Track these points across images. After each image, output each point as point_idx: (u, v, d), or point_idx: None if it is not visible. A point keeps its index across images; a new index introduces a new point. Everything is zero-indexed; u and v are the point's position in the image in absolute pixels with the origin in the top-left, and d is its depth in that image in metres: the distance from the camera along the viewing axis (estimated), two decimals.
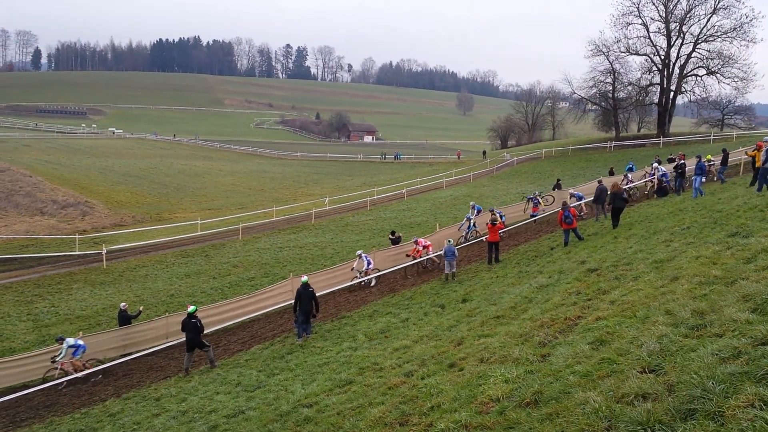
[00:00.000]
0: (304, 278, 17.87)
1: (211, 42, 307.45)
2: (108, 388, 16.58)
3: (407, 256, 24.57)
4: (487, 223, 22.18)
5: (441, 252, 22.22)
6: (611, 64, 69.13)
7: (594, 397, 5.46)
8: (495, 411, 6.18)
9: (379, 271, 24.07)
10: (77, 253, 36.15)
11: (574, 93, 76.38)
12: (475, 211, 29.61)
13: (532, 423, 5.51)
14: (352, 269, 23.61)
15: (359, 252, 23.79)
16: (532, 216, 30.10)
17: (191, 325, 16.27)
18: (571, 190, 30.51)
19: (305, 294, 17.08)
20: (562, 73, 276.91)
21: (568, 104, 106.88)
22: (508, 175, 58.86)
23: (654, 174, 28.23)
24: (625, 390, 5.40)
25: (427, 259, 23.85)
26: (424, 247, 23.82)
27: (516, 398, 6.33)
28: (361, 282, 22.98)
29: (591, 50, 69.92)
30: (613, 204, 21.04)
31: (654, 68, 67.11)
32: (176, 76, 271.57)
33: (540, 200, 31.29)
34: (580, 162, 58.53)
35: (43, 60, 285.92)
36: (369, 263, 23.30)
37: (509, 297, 14.46)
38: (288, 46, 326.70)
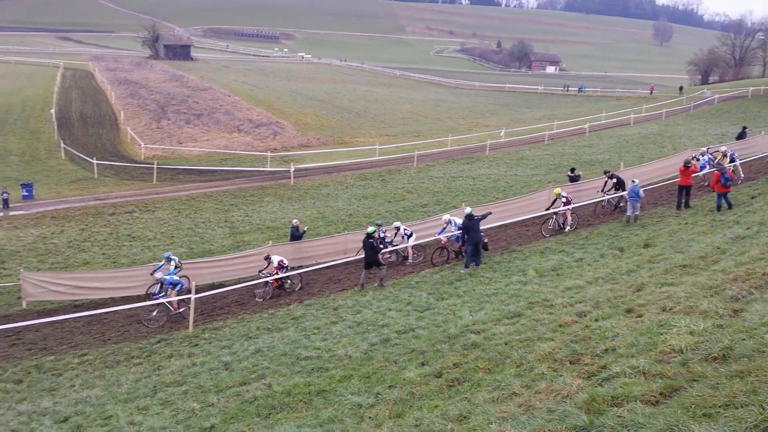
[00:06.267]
0: (468, 210, 17.88)
1: None
2: (292, 295, 18.21)
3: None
4: (680, 166, 20.47)
5: (624, 193, 20.96)
6: None
7: None
8: (677, 362, 5.92)
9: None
10: (268, 169, 39.37)
11: None
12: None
13: (720, 378, 5.21)
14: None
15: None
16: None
17: (370, 245, 17.13)
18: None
19: (471, 225, 17.12)
20: None
21: None
22: (707, 114, 53.28)
23: None
24: None
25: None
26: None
27: (702, 351, 6.00)
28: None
29: None
30: None
31: None
32: (361, 2, 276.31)
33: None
34: None
35: None
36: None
37: (699, 246, 13.44)
38: None
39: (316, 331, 13.15)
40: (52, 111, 53.88)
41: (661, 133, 44.34)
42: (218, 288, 18.47)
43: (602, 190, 22.23)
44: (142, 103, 61.38)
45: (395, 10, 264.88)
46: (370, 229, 17.65)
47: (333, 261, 20.41)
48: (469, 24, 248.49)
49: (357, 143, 50.89)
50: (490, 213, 19.45)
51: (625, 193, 21.40)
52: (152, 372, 12.38)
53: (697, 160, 23.37)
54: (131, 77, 77.20)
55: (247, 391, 9.63)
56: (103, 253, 24.08)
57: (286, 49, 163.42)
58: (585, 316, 9.34)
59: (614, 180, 21.84)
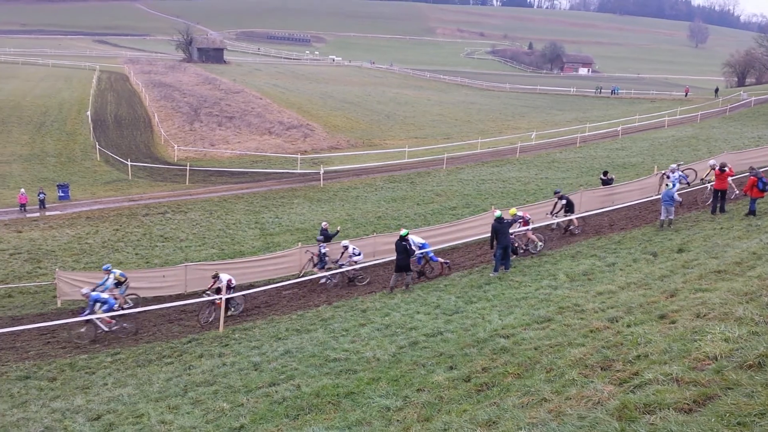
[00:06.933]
0: (497, 213, 17.72)
1: None
2: (321, 296, 18.30)
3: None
4: (716, 169, 20.04)
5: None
6: None
7: None
8: (711, 369, 5.79)
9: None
10: (299, 171, 39.65)
11: None
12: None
13: (755, 386, 5.08)
14: None
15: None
16: None
17: (402, 247, 17.04)
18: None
19: (501, 228, 16.94)
20: None
21: None
22: (743, 116, 52.09)
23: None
24: None
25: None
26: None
27: (737, 359, 5.86)
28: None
29: None
30: None
31: None
32: (391, 5, 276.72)
33: None
34: None
35: None
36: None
37: (734, 251, 13.13)
38: None
39: (344, 332, 13.18)
40: (88, 113, 55.08)
41: (695, 136, 43.50)
42: (248, 289, 18.67)
43: (552, 213, 21.27)
44: (176, 105, 62.35)
45: (425, 12, 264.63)
46: (404, 232, 17.62)
47: (365, 263, 20.42)
48: (500, 25, 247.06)
49: (386, 145, 50.92)
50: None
51: (574, 216, 20.88)
52: (183, 371, 12.54)
53: (668, 177, 22.49)
54: (165, 80, 78.47)
55: (276, 391, 9.69)
56: (137, 254, 24.51)
57: (317, 52, 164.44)
58: (617, 321, 9.19)
59: (564, 201, 20.86)
